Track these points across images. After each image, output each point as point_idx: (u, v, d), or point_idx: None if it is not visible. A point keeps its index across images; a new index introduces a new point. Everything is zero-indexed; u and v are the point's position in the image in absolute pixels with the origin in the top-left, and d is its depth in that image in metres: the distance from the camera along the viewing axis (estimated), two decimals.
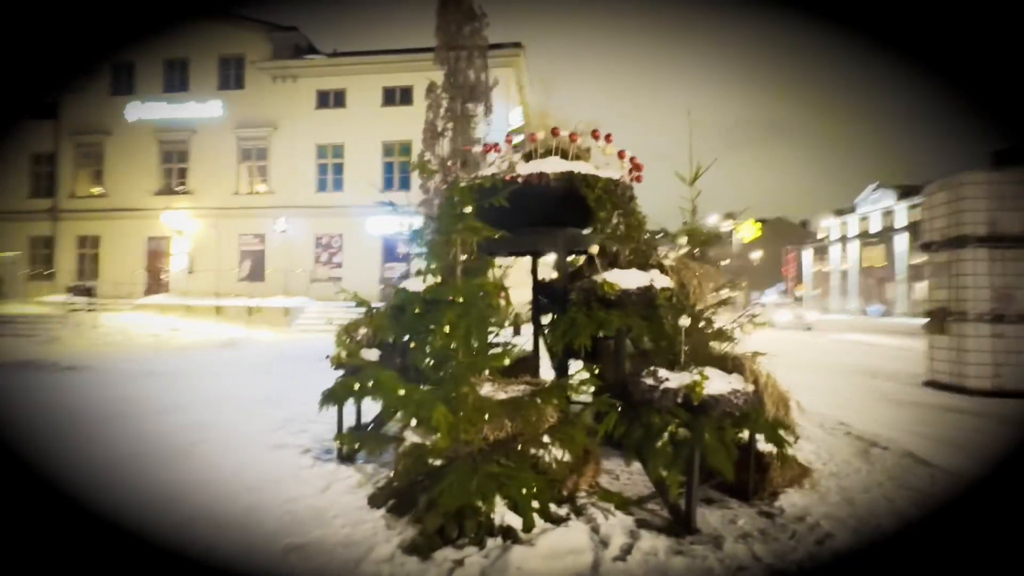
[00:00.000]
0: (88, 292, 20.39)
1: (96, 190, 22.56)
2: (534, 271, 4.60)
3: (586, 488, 3.55)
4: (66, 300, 19.35)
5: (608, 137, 3.90)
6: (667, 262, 3.58)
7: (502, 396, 3.42)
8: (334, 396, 3.93)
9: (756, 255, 57.77)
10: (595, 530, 2.97)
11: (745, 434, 3.25)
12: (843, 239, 49.85)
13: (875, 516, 3.15)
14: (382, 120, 20.40)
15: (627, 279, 3.50)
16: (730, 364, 3.10)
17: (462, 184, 4.13)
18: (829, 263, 51.40)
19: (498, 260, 4.06)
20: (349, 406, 4.10)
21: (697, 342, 3.29)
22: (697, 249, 4.29)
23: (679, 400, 3.01)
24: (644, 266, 3.59)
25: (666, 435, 2.93)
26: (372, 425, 4.37)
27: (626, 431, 3.12)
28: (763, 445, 3.39)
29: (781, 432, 3.19)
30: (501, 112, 14.42)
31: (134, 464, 4.11)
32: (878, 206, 45.94)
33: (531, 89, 20.52)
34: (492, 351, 3.24)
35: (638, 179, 4.18)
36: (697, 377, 2.98)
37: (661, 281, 3.46)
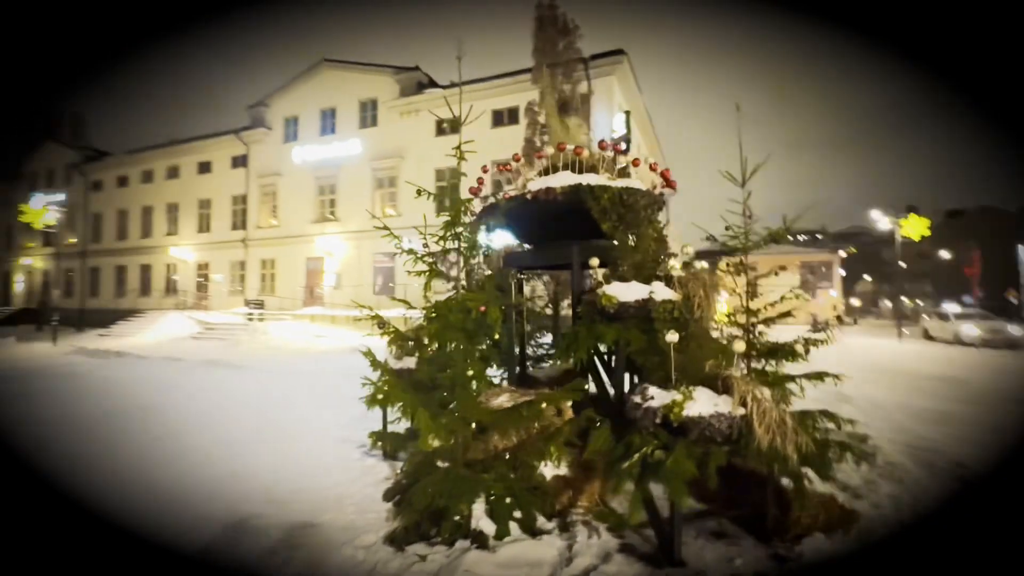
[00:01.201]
0: (260, 305, 23.92)
1: (272, 221, 26.60)
2: (572, 283, 4.59)
3: (586, 505, 3.46)
4: (246, 312, 22.94)
5: (616, 147, 3.81)
6: (675, 273, 3.38)
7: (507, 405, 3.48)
8: (370, 400, 4.30)
9: (945, 255, 49.21)
10: (569, 547, 2.91)
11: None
12: None
13: None
14: (491, 141, 21.27)
15: (627, 292, 3.38)
16: (720, 385, 2.84)
17: (490, 202, 4.31)
18: None
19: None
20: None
21: (696, 359, 3.05)
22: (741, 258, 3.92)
23: (658, 420, 2.84)
24: (649, 278, 3.43)
25: (636, 456, 2.78)
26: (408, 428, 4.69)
27: (610, 449, 3.01)
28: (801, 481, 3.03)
29: (802, 465, 2.83)
30: (604, 120, 14.31)
31: (236, 448, 5.01)
32: None
33: (639, 94, 19.95)
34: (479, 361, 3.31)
35: (669, 186, 4.01)
36: (678, 397, 2.79)
37: (663, 294, 3.29)
